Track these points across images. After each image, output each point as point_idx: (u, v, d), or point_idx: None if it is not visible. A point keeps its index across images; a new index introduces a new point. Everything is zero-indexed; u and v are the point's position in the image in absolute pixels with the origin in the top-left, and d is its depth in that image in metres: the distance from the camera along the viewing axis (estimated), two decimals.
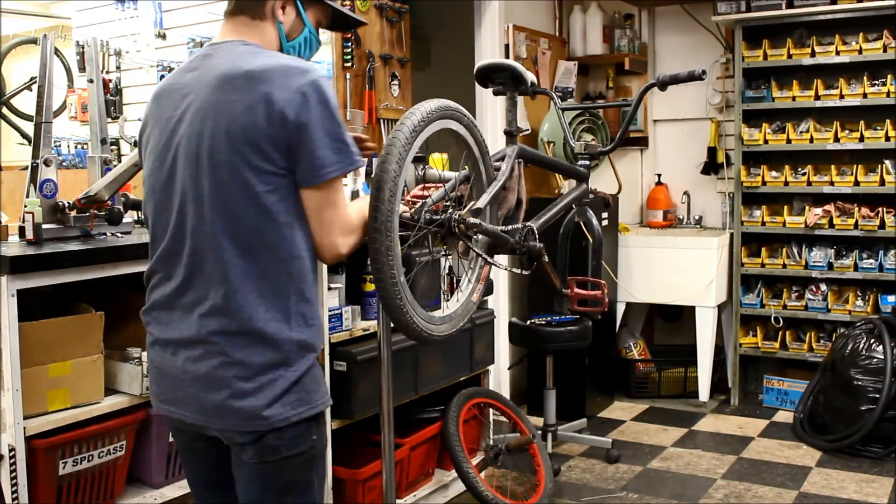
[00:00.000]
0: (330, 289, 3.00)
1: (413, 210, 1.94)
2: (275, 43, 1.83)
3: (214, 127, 1.66)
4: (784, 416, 4.82)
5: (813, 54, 4.78)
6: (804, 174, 4.87)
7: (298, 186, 1.67)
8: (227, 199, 1.65)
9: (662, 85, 2.47)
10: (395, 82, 4.06)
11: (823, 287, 4.86)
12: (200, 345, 1.68)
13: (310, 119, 1.64)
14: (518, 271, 2.28)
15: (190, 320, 1.70)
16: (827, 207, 4.80)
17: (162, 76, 4.26)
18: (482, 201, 2.07)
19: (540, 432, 4.05)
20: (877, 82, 4.68)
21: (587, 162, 2.71)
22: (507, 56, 4.81)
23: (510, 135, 2.33)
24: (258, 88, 1.64)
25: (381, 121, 3.97)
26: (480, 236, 2.16)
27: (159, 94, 1.82)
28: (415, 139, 1.86)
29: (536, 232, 2.30)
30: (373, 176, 1.81)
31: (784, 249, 4.99)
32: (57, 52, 4.18)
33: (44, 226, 2.42)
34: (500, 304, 4.77)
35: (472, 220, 1.99)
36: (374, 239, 1.79)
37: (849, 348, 4.34)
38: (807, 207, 4.94)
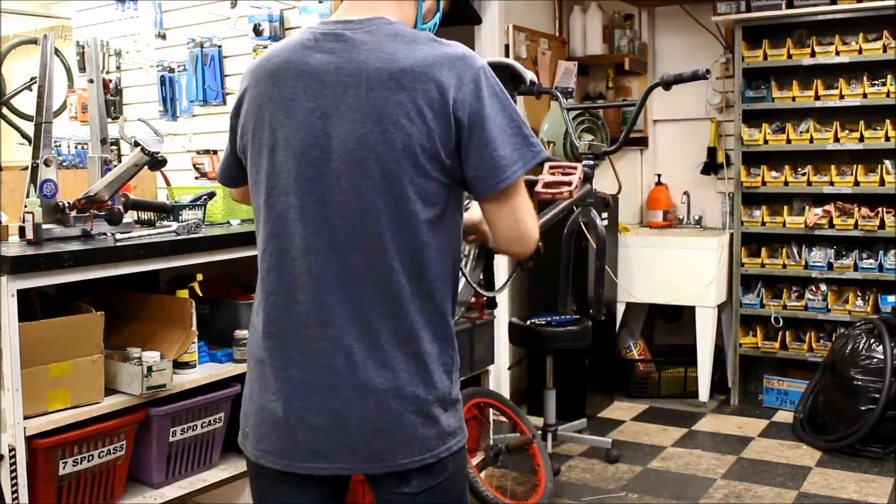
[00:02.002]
0: None
1: None
2: (411, 22, 1.62)
3: (382, 133, 1.47)
4: (784, 416, 4.82)
5: (813, 54, 4.78)
6: (804, 174, 4.87)
7: (481, 198, 1.54)
8: (401, 216, 1.50)
9: (667, 85, 2.48)
10: None
11: (823, 287, 4.86)
12: None
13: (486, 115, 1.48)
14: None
15: None
16: (827, 207, 4.80)
17: (162, 77, 4.26)
18: None
19: (540, 432, 4.04)
20: (877, 82, 4.68)
21: (591, 162, 2.70)
22: (506, 56, 4.81)
23: None
24: (424, 87, 1.46)
25: None
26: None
27: (276, 71, 1.56)
28: None
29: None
30: None
31: (784, 249, 4.99)
32: (57, 52, 4.18)
33: (44, 226, 2.41)
34: (501, 304, 4.76)
35: None
36: None
37: (849, 348, 4.34)
38: (807, 207, 4.94)
